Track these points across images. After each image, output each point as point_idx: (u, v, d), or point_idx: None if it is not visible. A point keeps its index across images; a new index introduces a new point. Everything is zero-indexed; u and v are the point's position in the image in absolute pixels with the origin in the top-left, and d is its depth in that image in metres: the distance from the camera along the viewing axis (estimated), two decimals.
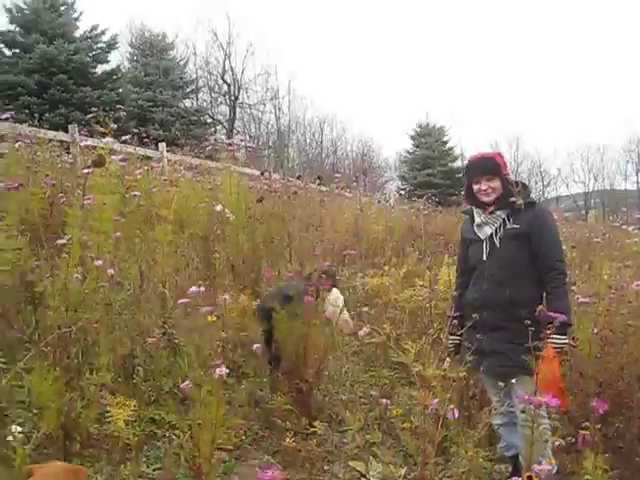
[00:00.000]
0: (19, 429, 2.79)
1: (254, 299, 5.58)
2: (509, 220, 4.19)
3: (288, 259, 6.09)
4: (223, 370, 2.94)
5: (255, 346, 4.02)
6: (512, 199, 4.13)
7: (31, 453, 2.96)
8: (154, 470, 3.97)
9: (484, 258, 4.20)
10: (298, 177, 10.33)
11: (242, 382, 5.09)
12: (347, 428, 4.65)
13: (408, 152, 37.77)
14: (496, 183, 4.19)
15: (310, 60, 71.91)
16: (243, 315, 5.25)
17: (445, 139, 36.75)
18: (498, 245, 4.16)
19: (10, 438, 2.80)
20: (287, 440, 4.34)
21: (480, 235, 4.26)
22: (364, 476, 4.20)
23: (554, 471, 3.60)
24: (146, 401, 4.49)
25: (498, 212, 4.21)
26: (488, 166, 4.23)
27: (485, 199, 4.21)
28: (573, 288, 5.46)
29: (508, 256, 4.13)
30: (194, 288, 3.61)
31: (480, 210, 4.29)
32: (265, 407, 4.83)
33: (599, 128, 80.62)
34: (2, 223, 4.52)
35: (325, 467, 4.30)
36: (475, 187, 4.25)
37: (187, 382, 3.33)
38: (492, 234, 4.21)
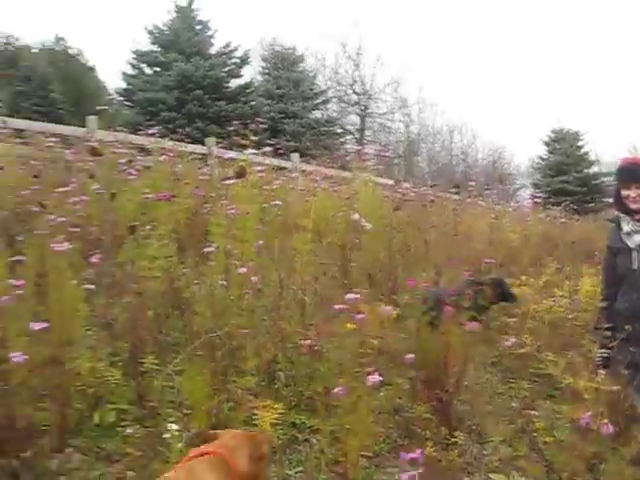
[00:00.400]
0: (175, 427, 2.92)
1: (393, 308, 5.59)
2: None
3: (424, 268, 6.06)
4: (376, 378, 2.96)
5: (408, 356, 4.05)
6: None
7: (183, 450, 3.10)
8: (296, 473, 4.05)
9: (634, 267, 4.05)
10: (432, 186, 10.27)
11: (380, 390, 5.11)
12: (488, 440, 4.57)
13: (541, 158, 36.72)
14: None
15: (439, 67, 71.37)
16: (383, 324, 5.26)
17: (580, 144, 35.45)
18: None
19: (166, 435, 2.94)
20: (427, 449, 4.31)
21: (629, 243, 4.11)
22: None
23: None
24: (288, 406, 4.58)
25: None
26: (639, 172, 4.08)
27: (633, 206, 4.06)
28: None
29: None
30: (351, 295, 3.68)
31: (628, 217, 4.13)
32: (405, 415, 4.82)
33: None
34: (155, 232, 4.75)
35: (465, 478, 4.24)
36: (624, 193, 4.10)
37: (339, 388, 3.37)
38: None
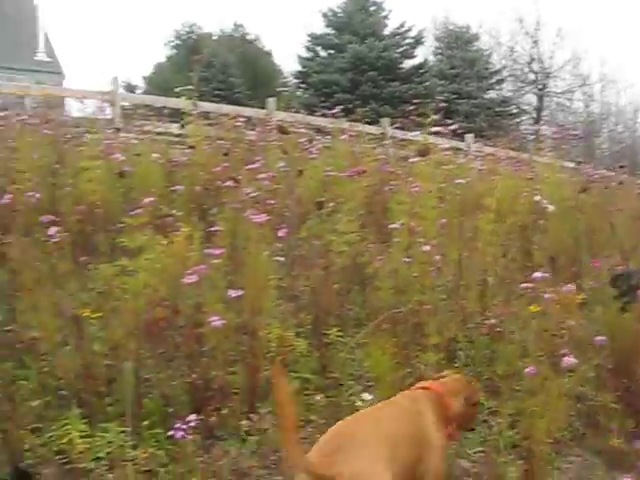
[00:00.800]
0: (369, 397, 3.01)
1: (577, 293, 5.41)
2: None
3: (611, 253, 5.79)
4: (571, 360, 2.88)
5: (597, 338, 3.94)
6: None
7: None
8: (474, 452, 4.04)
9: None
10: (620, 167, 9.76)
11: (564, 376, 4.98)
12: None
13: None
14: None
15: (624, 42, 67.22)
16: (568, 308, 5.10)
17: None
18: None
19: (359, 403, 3.03)
20: (613, 440, 4.16)
21: None
22: None
23: None
24: None
25: None
26: None
27: None
28: None
29: None
30: (538, 274, 3.60)
31: None
32: (588, 404, 4.67)
33: None
34: (343, 208, 4.88)
35: None
36: None
37: (530, 368, 3.34)
38: None
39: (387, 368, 3.71)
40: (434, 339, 4.11)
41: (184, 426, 3.19)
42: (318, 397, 3.90)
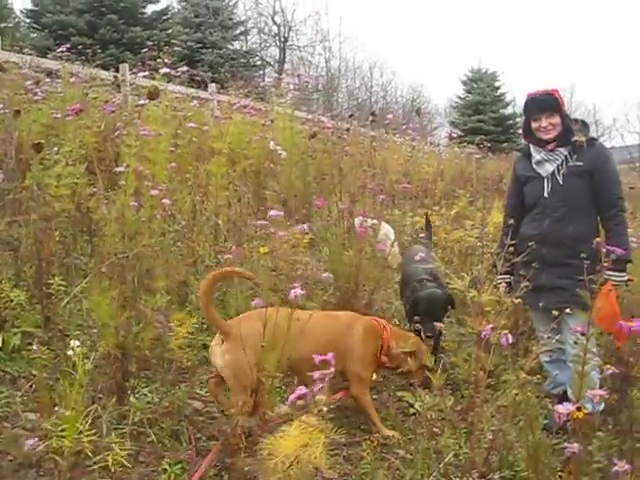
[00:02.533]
0: (77, 343, 2.86)
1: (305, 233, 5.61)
2: (571, 157, 4.13)
3: (339, 195, 6.07)
4: (298, 291, 2.92)
5: (324, 275, 4.10)
6: (574, 138, 4.06)
7: (90, 370, 3.05)
8: (206, 392, 4.07)
9: (545, 195, 4.16)
10: (350, 116, 10.23)
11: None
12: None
13: (459, 97, 37.02)
14: (556, 119, 4.12)
15: (360, 0, 70.41)
16: (295, 248, 5.28)
17: (497, 84, 35.89)
18: (561, 182, 4.12)
19: (70, 352, 2.88)
20: None
21: (541, 172, 4.21)
22: (412, 406, 4.25)
23: (601, 408, 3.61)
24: (199, 328, 4.58)
25: (560, 149, 4.15)
26: (548, 102, 4.15)
27: (545, 137, 4.15)
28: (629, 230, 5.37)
29: (571, 193, 4.10)
30: (274, 212, 3.63)
31: (540, 148, 4.21)
32: None
33: None
34: (61, 151, 4.58)
35: (374, 397, 4.34)
36: (534, 125, 4.17)
37: (257, 300, 3.39)
38: (554, 171, 4.15)
39: (110, 314, 3.57)
40: (160, 282, 4.04)
41: None
42: (37, 351, 3.63)
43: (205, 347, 4.52)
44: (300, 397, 2.14)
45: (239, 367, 3.32)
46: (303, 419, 2.12)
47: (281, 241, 4.65)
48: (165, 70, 5.75)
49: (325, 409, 2.20)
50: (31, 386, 3.67)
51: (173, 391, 3.81)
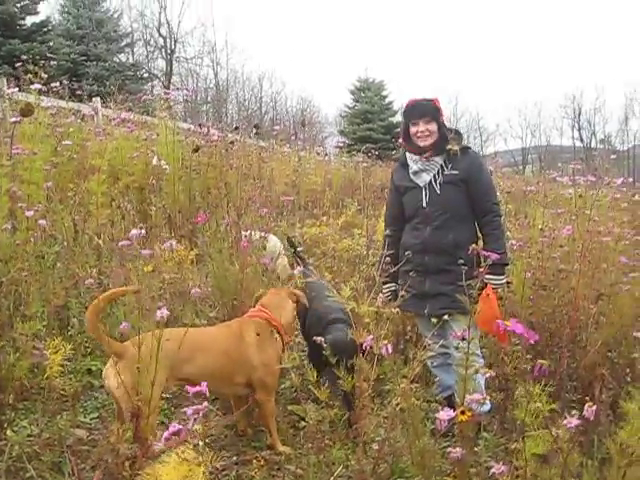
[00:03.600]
0: None
1: (191, 249, 5.53)
2: (447, 166, 4.23)
3: (226, 209, 6.01)
4: (164, 312, 2.86)
5: (193, 290, 3.99)
6: (448, 146, 4.16)
7: None
8: (91, 419, 3.94)
9: (424, 204, 4.23)
10: (235, 128, 10.17)
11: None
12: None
13: (348, 107, 37.55)
14: (433, 126, 4.21)
15: (247, 12, 70.60)
16: (180, 265, 5.19)
17: (384, 94, 36.62)
18: (438, 191, 4.20)
19: None
20: None
21: (418, 182, 4.27)
22: (303, 419, 4.24)
23: (487, 408, 3.71)
24: (82, 352, 4.43)
25: (435, 158, 4.23)
26: (427, 108, 4.25)
27: (422, 143, 4.22)
28: (508, 234, 5.56)
29: (449, 201, 4.19)
30: (134, 231, 3.50)
31: (416, 157, 4.29)
32: None
33: (536, 85, 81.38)
34: None
35: None
36: (412, 129, 4.25)
37: (125, 324, 3.27)
38: (431, 180, 4.23)
39: None
40: (35, 307, 3.88)
41: None
42: None
43: (90, 372, 4.39)
44: (174, 434, 2.09)
45: (134, 388, 3.18)
46: (180, 453, 2.07)
47: (166, 258, 4.57)
48: (37, 86, 5.55)
49: (201, 443, 2.14)
50: None
51: (55, 421, 3.66)
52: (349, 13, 79.77)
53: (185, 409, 2.20)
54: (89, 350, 4.50)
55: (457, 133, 4.34)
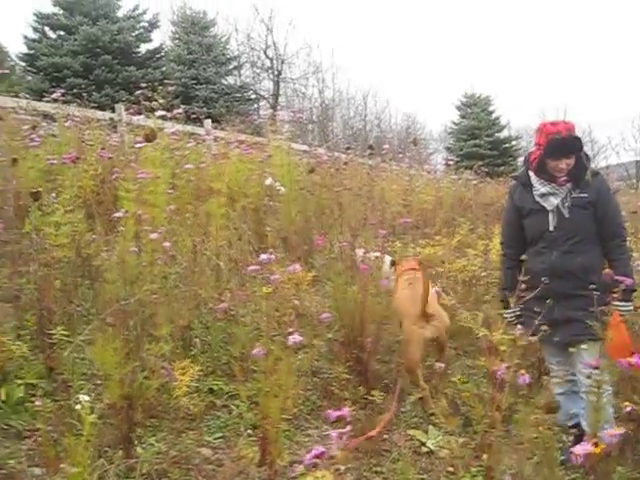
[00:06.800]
0: (86, 398, 2.81)
1: (308, 271, 5.56)
2: (574, 189, 4.11)
3: (340, 230, 6.03)
4: (297, 338, 2.88)
5: (323, 315, 3.98)
6: (587, 177, 4.08)
7: (96, 422, 2.99)
8: (215, 439, 4.00)
9: (551, 228, 4.13)
10: (347, 149, 10.23)
11: (298, 352, 5.09)
12: (405, 398, 4.62)
13: (454, 123, 37.25)
14: (572, 160, 4.10)
15: (352, 32, 71.00)
16: (297, 287, 5.23)
17: (491, 109, 36.12)
18: (566, 215, 4.10)
19: (78, 407, 2.82)
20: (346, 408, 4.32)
21: (545, 205, 4.16)
22: (424, 444, 4.18)
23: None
24: (205, 372, 4.52)
25: (567, 183, 4.13)
26: (574, 148, 4.13)
27: (559, 175, 4.12)
28: (634, 255, 5.35)
29: (578, 225, 4.08)
30: (264, 255, 3.55)
31: (544, 181, 4.18)
32: (323, 377, 4.82)
33: None
34: (60, 198, 4.55)
35: (385, 436, 4.28)
36: (552, 164, 4.11)
37: (258, 349, 3.30)
38: (559, 204, 4.13)
39: (115, 364, 3.51)
40: (164, 329, 3.98)
41: None
42: (42, 402, 3.55)
43: (212, 391, 4.47)
44: (317, 456, 2.07)
45: None
46: (320, 477, 2.05)
47: (283, 280, 4.60)
48: (161, 113, 5.74)
49: (342, 467, 2.12)
50: (35, 440, 3.60)
51: (181, 439, 3.75)
52: (453, 28, 79.08)
53: (329, 432, 2.19)
54: (210, 370, 4.58)
55: (587, 157, 4.22)
